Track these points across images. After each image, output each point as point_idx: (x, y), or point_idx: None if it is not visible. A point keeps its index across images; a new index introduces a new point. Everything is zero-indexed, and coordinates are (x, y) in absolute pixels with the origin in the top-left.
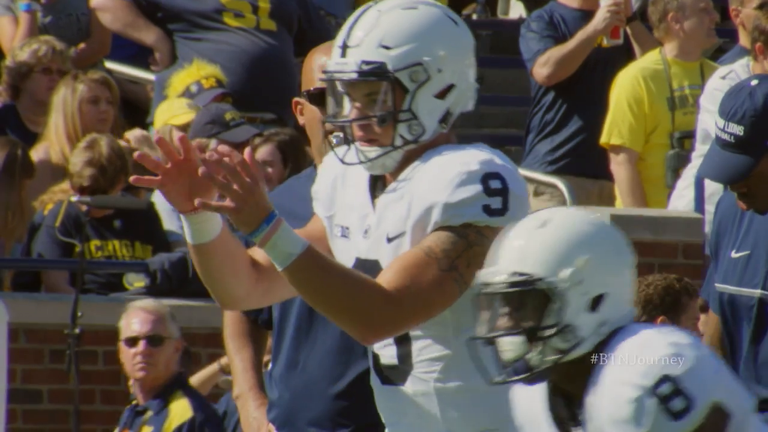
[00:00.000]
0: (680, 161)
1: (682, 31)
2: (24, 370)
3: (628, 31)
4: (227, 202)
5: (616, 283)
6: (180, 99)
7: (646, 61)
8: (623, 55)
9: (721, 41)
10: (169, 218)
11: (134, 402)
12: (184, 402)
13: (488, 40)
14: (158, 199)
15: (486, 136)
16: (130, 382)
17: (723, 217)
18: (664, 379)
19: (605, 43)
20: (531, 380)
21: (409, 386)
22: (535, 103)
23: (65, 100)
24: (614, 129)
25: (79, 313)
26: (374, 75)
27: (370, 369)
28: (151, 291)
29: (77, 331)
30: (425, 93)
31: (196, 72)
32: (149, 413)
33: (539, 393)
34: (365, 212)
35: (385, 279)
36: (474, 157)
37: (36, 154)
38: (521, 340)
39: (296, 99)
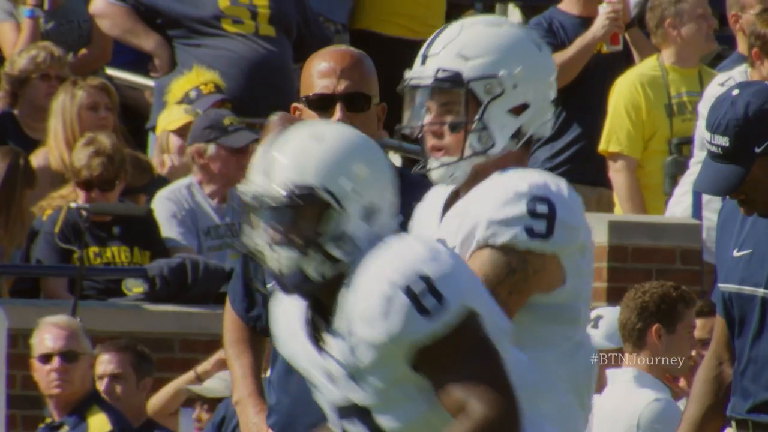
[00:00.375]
0: (678, 168)
1: (680, 37)
2: (24, 376)
3: (627, 37)
4: None
5: (384, 197)
6: (178, 105)
7: (644, 68)
8: (623, 61)
9: (720, 48)
10: (168, 225)
11: (48, 420)
12: (101, 416)
13: None
14: (157, 205)
15: None
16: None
17: (726, 218)
18: (417, 277)
19: (605, 49)
20: (302, 291)
21: None
22: None
23: (64, 106)
24: (612, 136)
25: (78, 319)
26: (449, 82)
27: None
28: (150, 297)
29: None
30: (498, 106)
31: (195, 78)
32: (65, 429)
33: (298, 306)
34: (432, 229)
35: None
36: (527, 179)
37: (35, 159)
38: (296, 252)
39: (295, 105)
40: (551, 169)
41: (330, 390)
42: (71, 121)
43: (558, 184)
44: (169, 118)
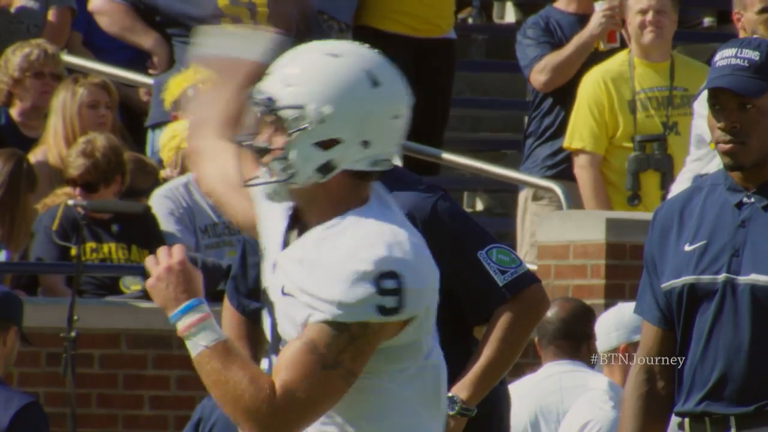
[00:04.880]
0: (640, 164)
1: (634, 33)
2: (21, 374)
3: (624, 34)
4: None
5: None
6: (181, 122)
7: (613, 63)
8: None
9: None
10: (166, 221)
11: None
12: None
13: (484, 44)
14: (155, 203)
15: (482, 140)
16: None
17: (664, 222)
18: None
19: (602, 47)
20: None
21: None
22: (533, 108)
23: (65, 103)
24: (576, 133)
25: (76, 317)
26: (259, 105)
27: None
28: (148, 294)
29: (73, 334)
30: (304, 138)
31: (192, 76)
32: None
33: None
34: (276, 247)
35: (278, 378)
36: (372, 253)
37: (34, 157)
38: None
39: None
40: (551, 167)
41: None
42: (71, 119)
43: (402, 248)
44: (179, 136)
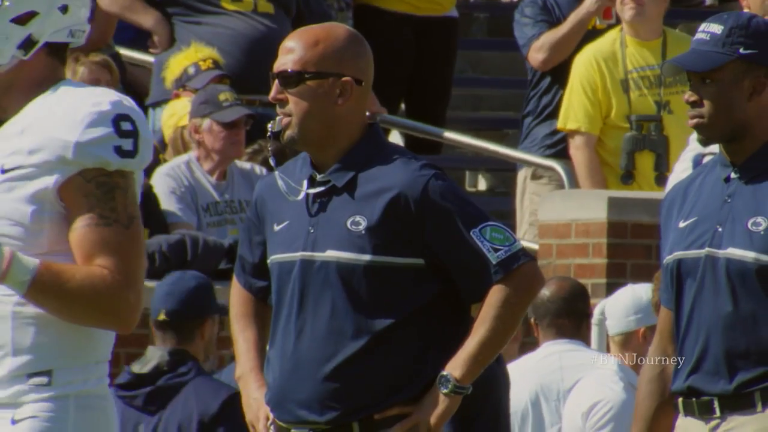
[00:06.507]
0: (636, 144)
1: (619, 9)
2: None
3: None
4: None
5: (70, 1)
6: (183, 100)
7: (604, 42)
8: None
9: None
10: (167, 199)
11: None
12: None
13: (485, 22)
14: (156, 181)
15: (483, 119)
16: None
17: (670, 202)
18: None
19: (598, 23)
20: None
21: None
22: (532, 87)
23: None
24: (570, 113)
25: None
26: None
27: None
28: (150, 274)
29: None
30: (1, 17)
31: (193, 54)
32: None
33: None
34: None
35: (107, 266)
36: (105, 97)
37: None
38: None
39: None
40: (550, 146)
41: None
42: None
43: (130, 100)
44: (178, 114)
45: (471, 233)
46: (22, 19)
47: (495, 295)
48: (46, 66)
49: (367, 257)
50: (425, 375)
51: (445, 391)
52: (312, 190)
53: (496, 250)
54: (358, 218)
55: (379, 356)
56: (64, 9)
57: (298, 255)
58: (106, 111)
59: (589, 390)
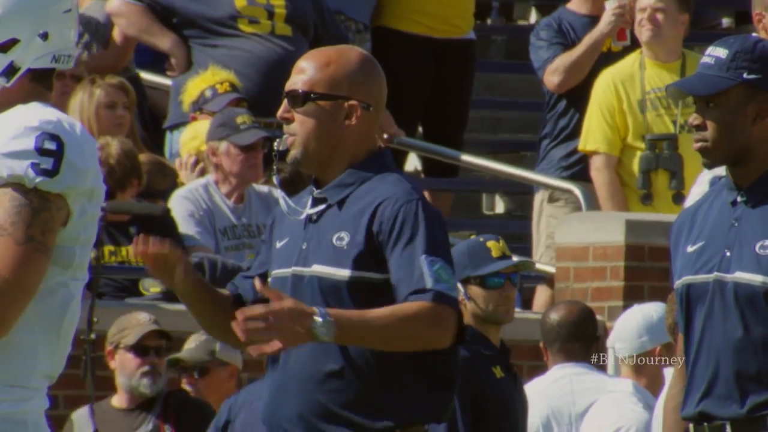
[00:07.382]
0: (651, 164)
1: (637, 31)
2: None
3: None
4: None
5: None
6: (205, 123)
7: (624, 65)
8: None
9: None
10: (185, 223)
11: None
12: None
13: (503, 45)
14: (174, 204)
15: (501, 141)
16: None
17: (679, 227)
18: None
19: (614, 46)
20: None
21: None
22: (548, 109)
23: (82, 104)
24: (590, 135)
25: (95, 319)
26: None
27: None
28: (168, 296)
29: (93, 337)
30: None
31: (210, 77)
32: None
33: None
34: None
35: None
36: (40, 115)
37: None
38: None
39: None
40: (566, 168)
41: None
42: (89, 120)
43: (72, 125)
44: (200, 138)
45: (423, 257)
46: (4, 47)
47: (415, 305)
48: (29, 92)
49: (347, 272)
50: (410, 389)
51: (316, 327)
52: (311, 210)
53: (437, 281)
54: (342, 234)
55: (363, 372)
56: (44, 36)
57: (290, 270)
58: (32, 127)
59: (610, 414)
